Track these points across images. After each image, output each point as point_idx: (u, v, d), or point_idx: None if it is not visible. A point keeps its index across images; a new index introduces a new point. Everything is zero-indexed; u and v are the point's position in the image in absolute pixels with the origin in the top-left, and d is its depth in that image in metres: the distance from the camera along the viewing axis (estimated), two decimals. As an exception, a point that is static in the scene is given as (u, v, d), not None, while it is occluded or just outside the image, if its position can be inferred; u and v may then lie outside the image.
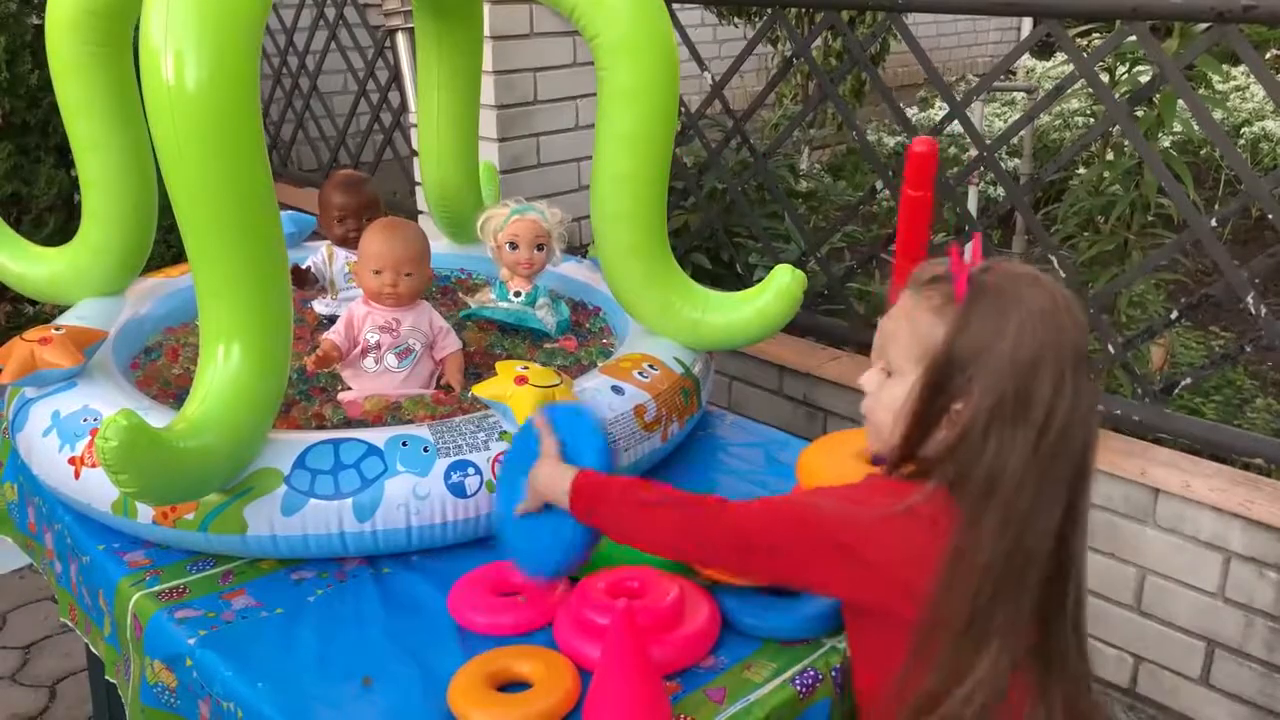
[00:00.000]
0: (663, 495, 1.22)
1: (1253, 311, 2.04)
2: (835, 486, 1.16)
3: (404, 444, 1.47)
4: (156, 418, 1.46)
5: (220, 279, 1.41)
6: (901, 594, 1.05)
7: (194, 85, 1.30)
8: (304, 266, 2.13)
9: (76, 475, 1.50)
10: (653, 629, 1.21)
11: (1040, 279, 1.06)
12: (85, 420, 1.54)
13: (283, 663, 1.27)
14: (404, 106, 3.12)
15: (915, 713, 1.04)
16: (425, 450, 1.47)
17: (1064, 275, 2.27)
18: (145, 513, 1.45)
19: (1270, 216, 1.99)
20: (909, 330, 1.09)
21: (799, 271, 1.80)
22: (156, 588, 1.42)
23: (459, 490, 1.46)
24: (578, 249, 2.88)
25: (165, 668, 1.34)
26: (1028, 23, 9.63)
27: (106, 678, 1.51)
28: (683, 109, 2.88)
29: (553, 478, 1.28)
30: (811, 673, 1.23)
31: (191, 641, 1.31)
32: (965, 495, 1.03)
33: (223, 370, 1.41)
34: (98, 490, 1.47)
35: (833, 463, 1.47)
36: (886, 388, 1.11)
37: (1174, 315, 2.25)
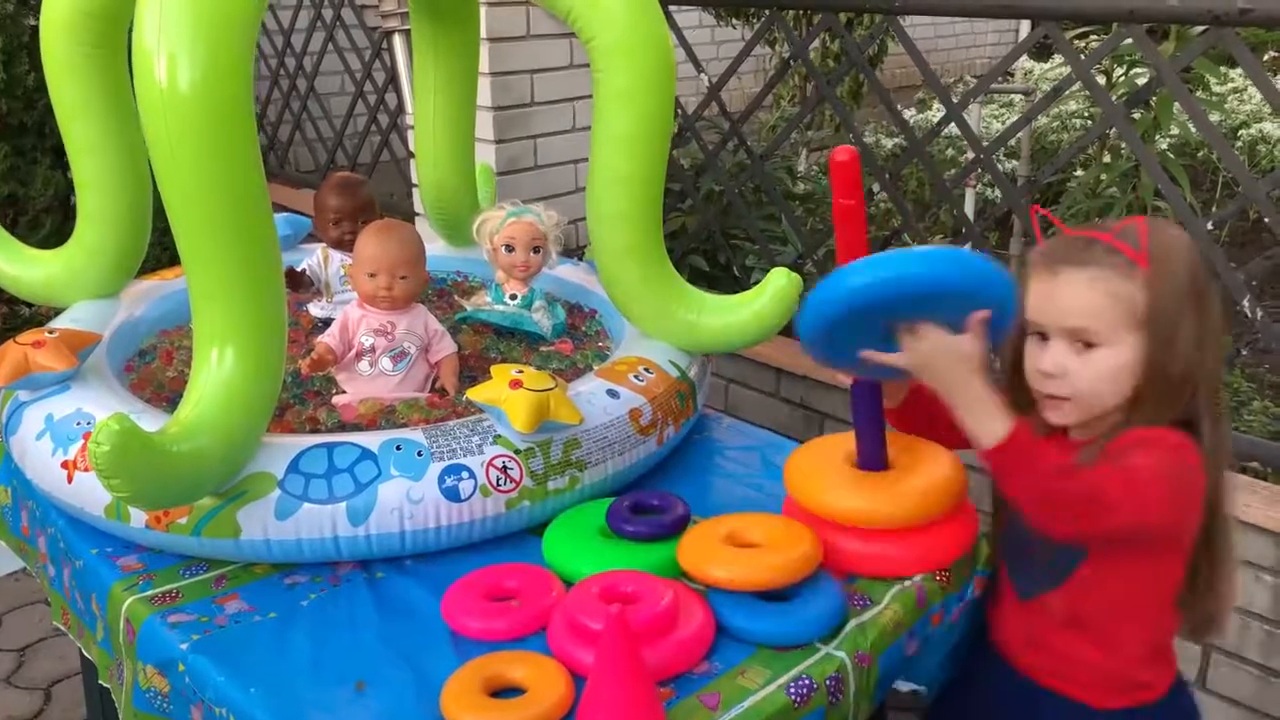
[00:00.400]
0: (1069, 477, 1.20)
1: (1249, 315, 2.04)
2: (1133, 458, 1.20)
3: (398, 448, 1.46)
4: (150, 421, 1.46)
5: (214, 282, 1.41)
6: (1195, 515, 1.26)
7: (187, 87, 1.29)
8: (299, 269, 2.13)
9: (69, 479, 1.50)
10: (646, 634, 1.20)
11: (1155, 223, 1.28)
12: (78, 424, 1.53)
13: (275, 668, 1.27)
14: (401, 108, 3.12)
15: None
16: (419, 454, 1.46)
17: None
18: (138, 517, 1.45)
19: (1267, 219, 1.99)
20: (1111, 302, 1.22)
21: (795, 274, 1.80)
22: (149, 592, 1.42)
23: (453, 494, 1.45)
24: (574, 251, 2.88)
25: (158, 673, 1.33)
26: (1025, 25, 9.64)
27: (100, 682, 1.51)
28: (680, 111, 2.88)
29: (983, 403, 1.20)
30: (806, 680, 1.23)
31: (184, 646, 1.30)
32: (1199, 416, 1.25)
33: (216, 374, 1.41)
34: (91, 494, 1.47)
35: (821, 466, 1.47)
36: (1094, 361, 1.24)
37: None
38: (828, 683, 1.24)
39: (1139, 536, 1.25)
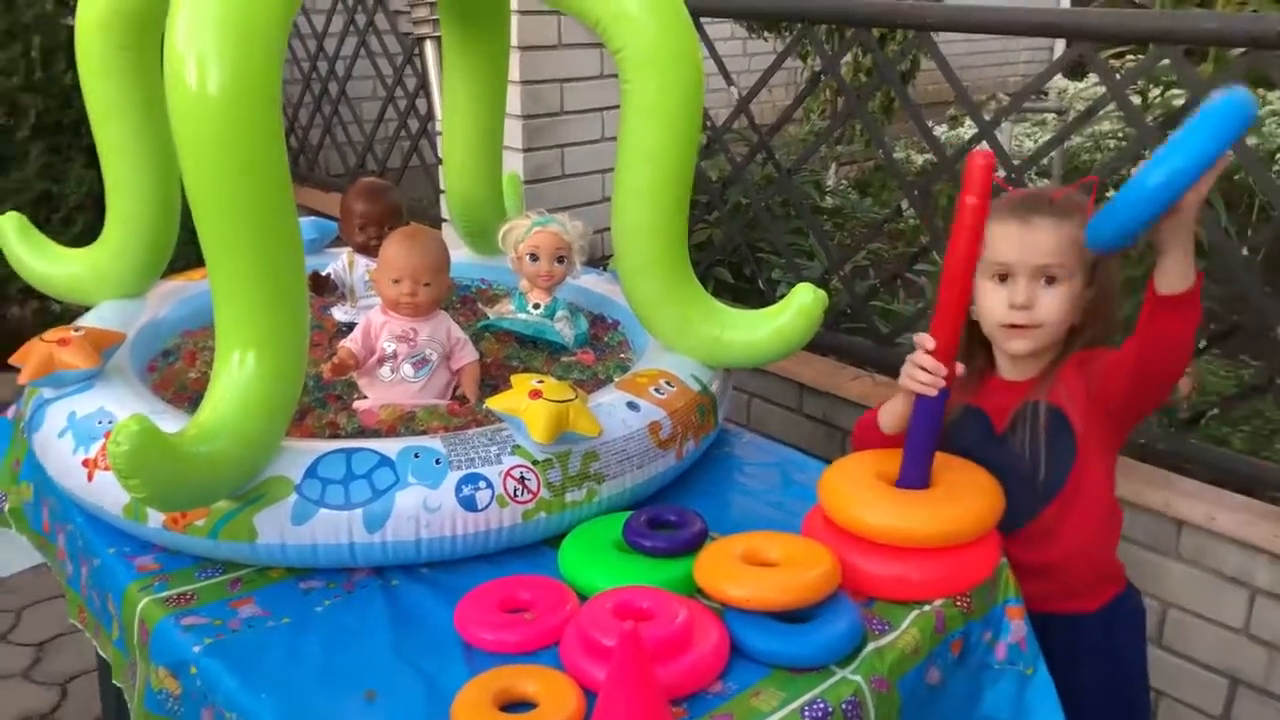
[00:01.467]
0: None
1: (1283, 342, 2.00)
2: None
3: (416, 455, 1.46)
4: (170, 421, 1.46)
5: (237, 284, 1.41)
6: None
7: (216, 90, 1.29)
8: (324, 273, 2.13)
9: (90, 477, 1.50)
10: (660, 652, 1.19)
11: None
12: (100, 422, 1.54)
13: (287, 674, 1.26)
14: (431, 114, 3.13)
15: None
16: (437, 462, 1.46)
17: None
18: (155, 518, 1.45)
19: (1304, 246, 1.96)
20: (1072, 245, 1.46)
21: (820, 290, 1.78)
22: (164, 593, 1.42)
23: (470, 504, 1.45)
24: (599, 261, 2.87)
25: (170, 674, 1.33)
26: (1060, 44, 9.57)
27: (114, 681, 1.51)
28: (709, 123, 2.87)
29: (1190, 248, 1.34)
30: (821, 704, 1.21)
31: (197, 649, 1.30)
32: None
33: (237, 377, 1.41)
34: (110, 493, 1.47)
35: (855, 483, 1.46)
36: (1057, 292, 1.49)
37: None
38: (844, 707, 1.22)
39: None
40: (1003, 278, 1.51)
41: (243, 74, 1.31)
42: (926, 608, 1.37)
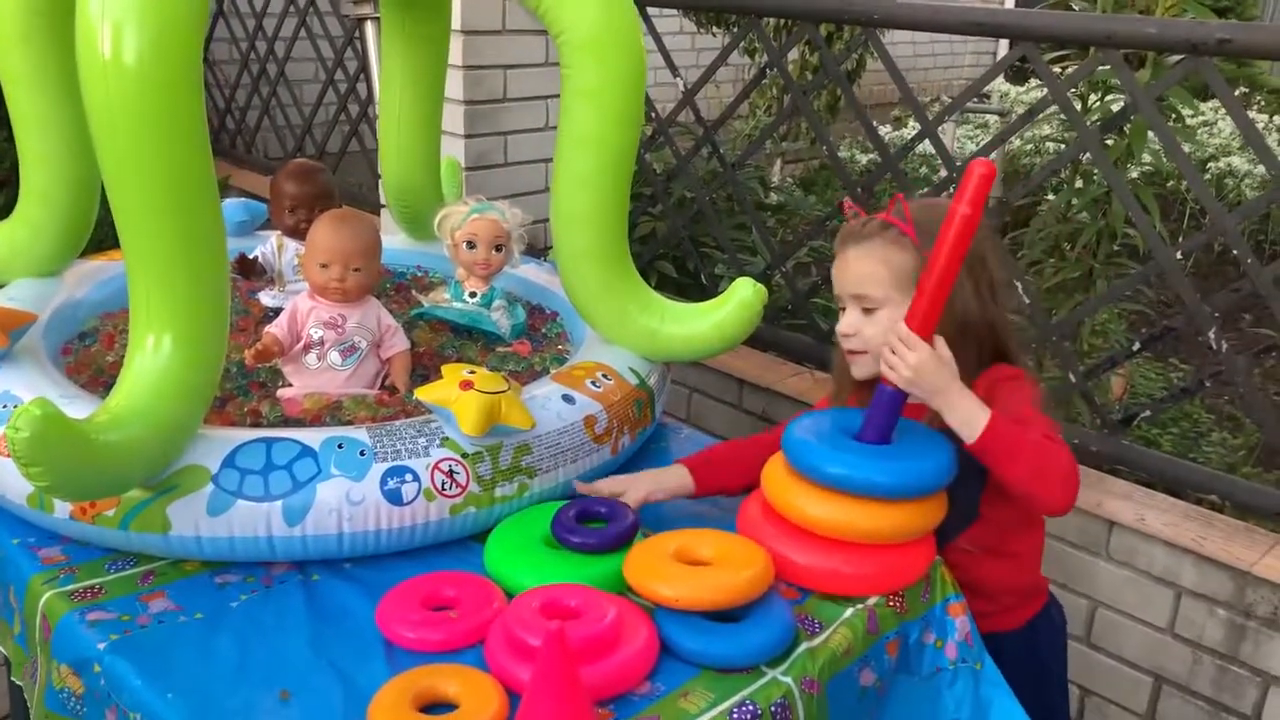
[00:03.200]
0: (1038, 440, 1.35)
1: (1214, 346, 2.03)
2: (1010, 398, 1.40)
3: (340, 446, 1.41)
4: (81, 407, 1.40)
5: (153, 263, 1.35)
6: None
7: (132, 60, 1.23)
8: (252, 256, 2.06)
9: (-8, 464, 1.43)
10: (587, 652, 1.15)
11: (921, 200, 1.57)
12: (4, 407, 1.46)
13: (197, 672, 1.21)
14: (371, 98, 3.07)
15: None
16: (361, 454, 1.41)
17: (1028, 301, 2.24)
18: (62, 507, 1.38)
19: (1236, 251, 1.98)
20: (886, 269, 1.45)
21: (760, 285, 1.76)
22: (70, 587, 1.35)
23: (395, 497, 1.40)
24: (539, 251, 2.83)
25: (72, 672, 1.27)
26: (1004, 46, 9.71)
27: (12, 679, 1.44)
28: (654, 114, 2.84)
29: (966, 397, 1.33)
30: (750, 705, 1.18)
31: (101, 646, 1.24)
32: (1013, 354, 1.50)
33: (152, 360, 1.35)
34: (13, 481, 1.40)
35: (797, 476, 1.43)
36: (877, 319, 1.46)
37: (1136, 346, 2.23)
38: (773, 709, 1.20)
39: None
40: (843, 308, 1.52)
41: (162, 43, 1.24)
42: (859, 606, 1.35)
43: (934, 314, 1.33)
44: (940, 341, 1.35)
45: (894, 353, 1.34)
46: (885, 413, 1.38)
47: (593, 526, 1.41)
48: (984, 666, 1.42)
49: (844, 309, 1.52)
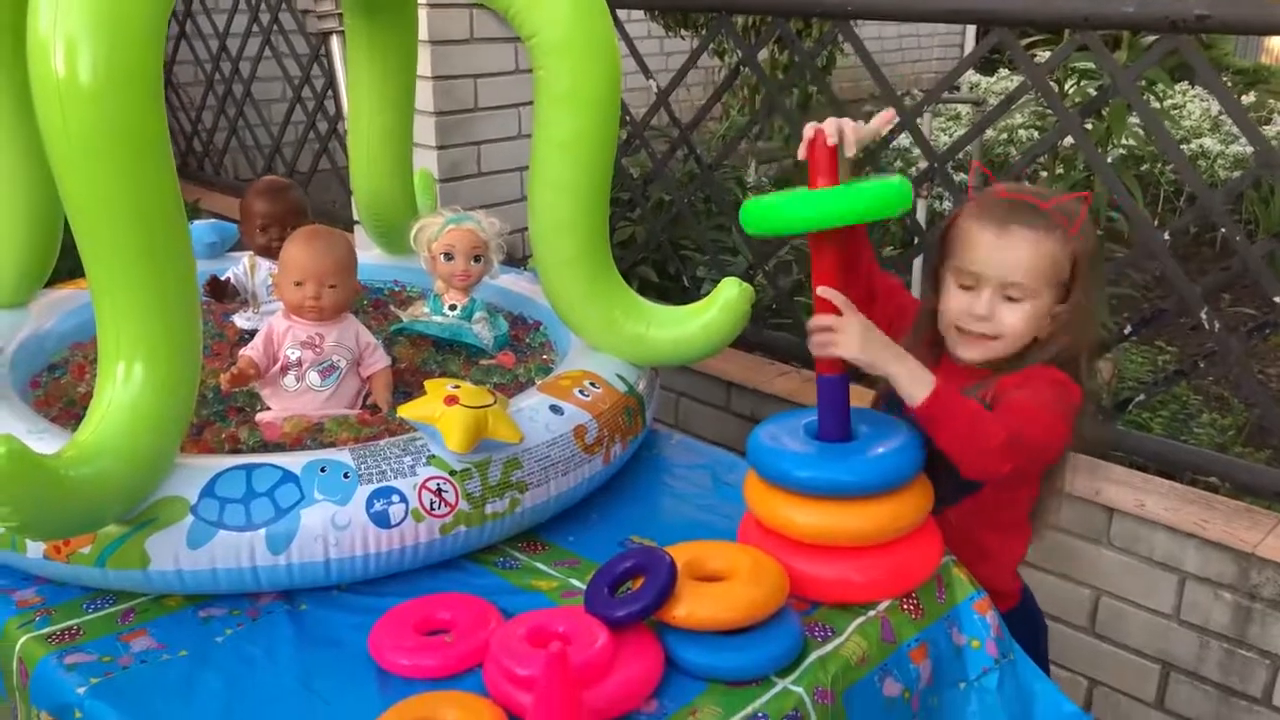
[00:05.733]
0: (992, 421, 1.33)
1: (1207, 326, 2.01)
2: (1032, 394, 1.37)
3: (322, 470, 1.36)
4: (51, 441, 1.34)
5: (120, 290, 1.29)
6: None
7: (88, 78, 1.19)
8: (224, 278, 2.01)
9: (-41, 505, 1.37)
10: (589, 672, 1.11)
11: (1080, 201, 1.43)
12: (-29, 444, 1.40)
13: (183, 713, 1.16)
14: (340, 114, 3.02)
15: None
16: (346, 476, 1.36)
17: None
18: (35, 547, 1.33)
19: (1223, 229, 1.96)
20: (1049, 263, 1.38)
21: (746, 284, 1.72)
22: (46, 629, 1.30)
23: (382, 520, 1.35)
24: (518, 261, 2.79)
25: (52, 719, 1.21)
26: (971, 39, 9.73)
27: (-8, 728, 1.38)
28: (628, 118, 2.81)
29: (907, 362, 1.31)
30: (762, 718, 1.14)
31: (81, 690, 1.19)
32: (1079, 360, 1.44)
33: (122, 391, 1.30)
34: (-18, 522, 1.34)
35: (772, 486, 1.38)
36: (1021, 308, 1.39)
37: (1128, 330, 2.21)
38: (785, 721, 1.15)
39: (1039, 464, 1.43)
40: (967, 285, 1.42)
41: (118, 58, 1.20)
42: (871, 613, 1.31)
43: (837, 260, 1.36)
44: (857, 314, 1.33)
45: (831, 329, 1.32)
46: (837, 403, 1.36)
47: (630, 587, 1.24)
48: (1015, 657, 1.39)
49: (968, 287, 1.42)
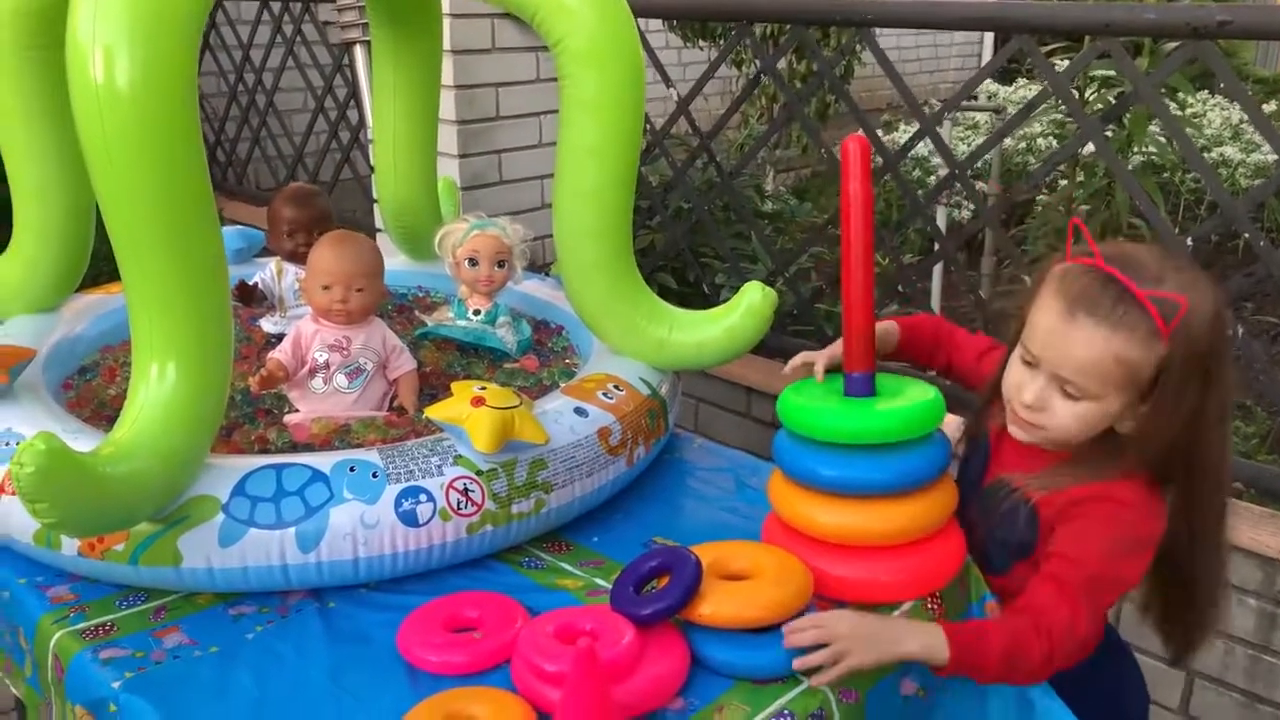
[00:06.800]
0: (1005, 625, 1.21)
1: (1230, 331, 2.00)
2: (1088, 528, 1.22)
3: (351, 469, 1.38)
4: (85, 441, 1.36)
5: (154, 291, 1.32)
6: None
7: (125, 84, 1.21)
8: (251, 282, 2.04)
9: (-4, 503, 1.40)
10: (616, 670, 1.12)
11: (1198, 296, 1.16)
12: (7, 444, 1.43)
13: (215, 708, 1.17)
14: (362, 124, 3.05)
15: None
16: (374, 476, 1.38)
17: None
18: (70, 544, 1.35)
19: (1247, 235, 1.96)
20: (1121, 369, 1.16)
21: (769, 289, 1.73)
22: (81, 625, 1.32)
23: (410, 519, 1.37)
24: (540, 268, 2.80)
25: (88, 713, 1.23)
26: (989, 49, 9.73)
27: (27, 723, 1.40)
28: (649, 126, 2.82)
29: (912, 634, 1.19)
30: (788, 716, 1.15)
31: (116, 685, 1.20)
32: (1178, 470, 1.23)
33: (156, 390, 1.32)
34: (19, 519, 1.36)
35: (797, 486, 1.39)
36: (1076, 407, 1.21)
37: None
38: None
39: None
40: (1032, 362, 1.25)
41: (155, 66, 1.22)
42: (895, 613, 1.31)
43: (869, 293, 1.29)
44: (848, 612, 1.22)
45: (821, 631, 1.18)
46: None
47: (655, 588, 1.26)
48: None
49: (1029, 364, 1.24)
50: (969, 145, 6.19)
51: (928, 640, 1.18)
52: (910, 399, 1.32)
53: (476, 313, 1.94)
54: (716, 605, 1.20)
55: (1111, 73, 3.12)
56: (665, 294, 3.23)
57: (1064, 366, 1.19)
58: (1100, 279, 1.17)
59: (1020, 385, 1.25)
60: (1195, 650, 1.40)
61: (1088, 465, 1.25)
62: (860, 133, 1.35)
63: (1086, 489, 1.23)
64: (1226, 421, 1.24)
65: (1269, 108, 6.83)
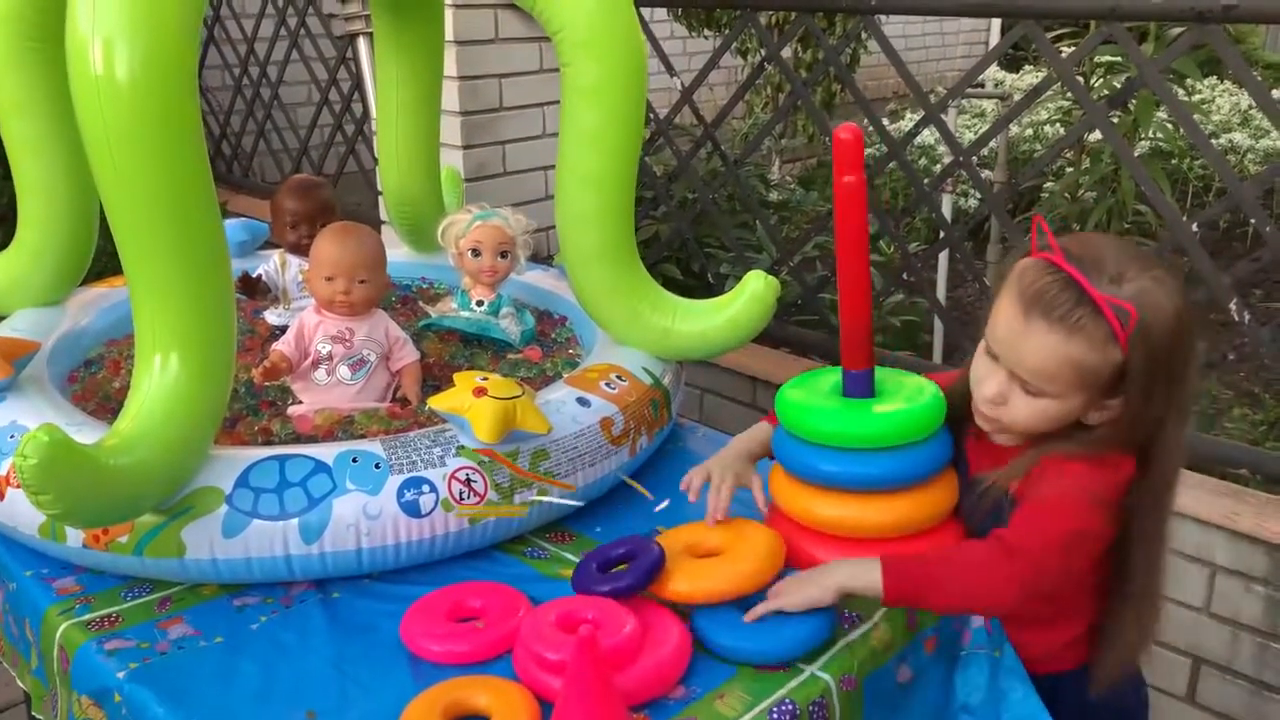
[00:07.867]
0: (960, 550, 1.24)
1: (1237, 318, 1.99)
2: (1057, 481, 1.20)
3: (354, 460, 1.38)
4: (90, 434, 1.37)
5: (157, 283, 1.32)
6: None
7: (125, 76, 1.21)
8: (255, 275, 2.04)
9: (1, 495, 1.40)
10: (618, 657, 1.12)
11: (1154, 302, 1.13)
12: (11, 437, 1.44)
13: (219, 697, 1.18)
14: (366, 115, 3.06)
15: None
16: (377, 467, 1.38)
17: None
18: (75, 536, 1.36)
19: (1254, 220, 1.95)
20: (1075, 373, 1.15)
21: (772, 277, 1.73)
22: (86, 616, 1.32)
23: (413, 509, 1.37)
24: (544, 259, 2.80)
25: (93, 703, 1.24)
26: (995, 36, 9.68)
27: (34, 714, 1.41)
28: (652, 115, 2.82)
29: (844, 570, 1.21)
30: (789, 705, 1.15)
31: (121, 675, 1.21)
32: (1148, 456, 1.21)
33: (159, 382, 1.32)
34: (24, 512, 1.37)
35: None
36: (1037, 404, 1.19)
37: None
38: (811, 708, 1.16)
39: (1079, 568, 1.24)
40: (996, 357, 1.23)
41: (155, 57, 1.22)
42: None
43: (865, 283, 1.29)
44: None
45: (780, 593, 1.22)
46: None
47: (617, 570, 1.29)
48: (1003, 654, 1.37)
49: (994, 356, 1.23)
50: (975, 133, 6.16)
51: (856, 569, 1.20)
52: (910, 400, 1.32)
53: (480, 304, 1.94)
54: (687, 581, 1.23)
55: (1118, 59, 3.11)
56: (669, 285, 3.22)
57: (1020, 366, 1.19)
58: (1059, 280, 1.15)
59: (982, 379, 1.25)
60: (1136, 658, 1.36)
61: (1054, 443, 1.24)
62: (852, 122, 1.31)
63: (1049, 458, 1.22)
64: (1185, 422, 1.22)
65: (1278, 93, 6.79)
